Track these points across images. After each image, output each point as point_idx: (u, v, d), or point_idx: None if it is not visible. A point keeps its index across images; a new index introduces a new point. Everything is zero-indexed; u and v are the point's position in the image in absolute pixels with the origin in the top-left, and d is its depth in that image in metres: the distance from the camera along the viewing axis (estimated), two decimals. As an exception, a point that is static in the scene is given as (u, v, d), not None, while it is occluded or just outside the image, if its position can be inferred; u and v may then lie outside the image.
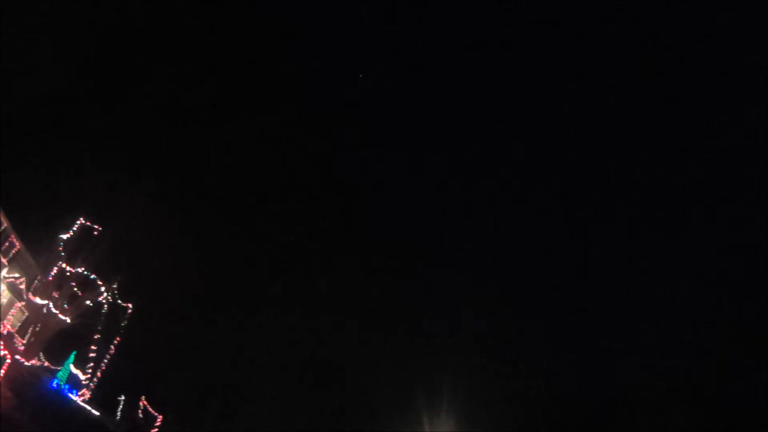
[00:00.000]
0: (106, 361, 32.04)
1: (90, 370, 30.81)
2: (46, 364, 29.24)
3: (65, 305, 30.21)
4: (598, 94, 45.96)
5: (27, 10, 31.58)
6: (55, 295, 29.89)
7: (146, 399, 34.57)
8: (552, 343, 47.75)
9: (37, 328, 29.01)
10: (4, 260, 27.21)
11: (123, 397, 33.26)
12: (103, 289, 31.75)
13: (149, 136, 42.23)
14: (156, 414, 34.74)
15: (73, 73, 35.71)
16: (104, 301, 32.03)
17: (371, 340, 46.79)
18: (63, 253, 29.84)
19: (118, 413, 32.74)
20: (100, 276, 31.52)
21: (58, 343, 30.27)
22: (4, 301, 28.11)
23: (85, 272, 30.74)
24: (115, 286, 32.63)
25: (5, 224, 27.08)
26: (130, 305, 33.71)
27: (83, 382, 30.16)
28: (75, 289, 30.77)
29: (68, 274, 30.13)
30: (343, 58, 47.67)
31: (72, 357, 29.53)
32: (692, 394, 39.04)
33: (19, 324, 29.64)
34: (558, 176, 50.10)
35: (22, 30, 31.00)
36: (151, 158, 41.57)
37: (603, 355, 44.46)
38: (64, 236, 29.96)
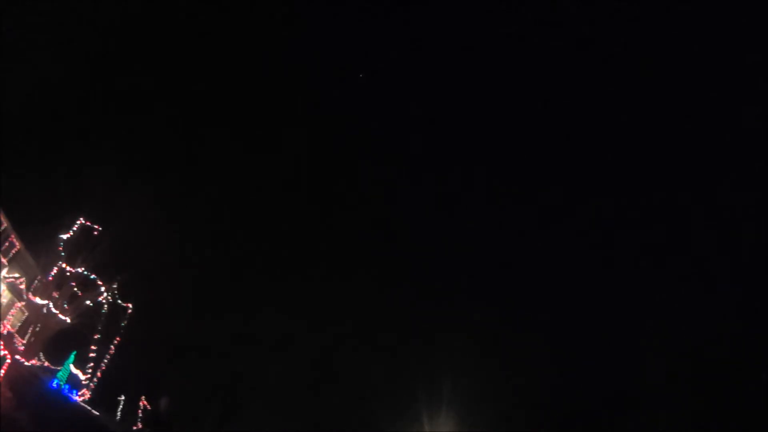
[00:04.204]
0: (106, 361, 32.04)
1: (90, 370, 30.81)
2: (46, 364, 29.22)
3: (65, 305, 30.22)
4: (601, 98, 45.95)
5: (27, 10, 31.58)
6: (55, 295, 29.90)
7: (146, 399, 34.55)
8: (552, 343, 47.74)
9: (37, 328, 29.02)
10: (4, 260, 27.19)
11: (123, 397, 33.27)
12: (103, 289, 31.75)
13: (150, 135, 42.24)
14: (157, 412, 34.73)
15: (74, 73, 35.71)
16: (104, 301, 32.03)
17: (372, 340, 46.79)
18: (63, 253, 29.84)
19: (118, 413, 32.73)
20: (100, 276, 31.52)
21: (58, 343, 30.26)
22: (4, 301, 28.09)
23: (85, 272, 30.75)
24: (115, 286, 32.63)
25: (5, 224, 27.06)
26: (130, 305, 33.70)
27: (83, 382, 30.16)
28: (75, 289, 30.77)
29: (68, 274, 30.13)
30: (347, 58, 47.70)
31: (72, 357, 29.53)
32: (692, 394, 39.04)
33: (19, 324, 29.62)
34: (558, 178, 50.12)
35: (22, 30, 31.00)
36: (151, 158, 41.59)
37: (603, 355, 44.45)
38: (64, 236, 29.96)
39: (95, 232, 31.38)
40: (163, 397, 33.92)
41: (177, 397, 37.52)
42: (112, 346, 32.52)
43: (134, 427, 33.42)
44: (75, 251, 30.48)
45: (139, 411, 33.96)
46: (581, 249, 48.97)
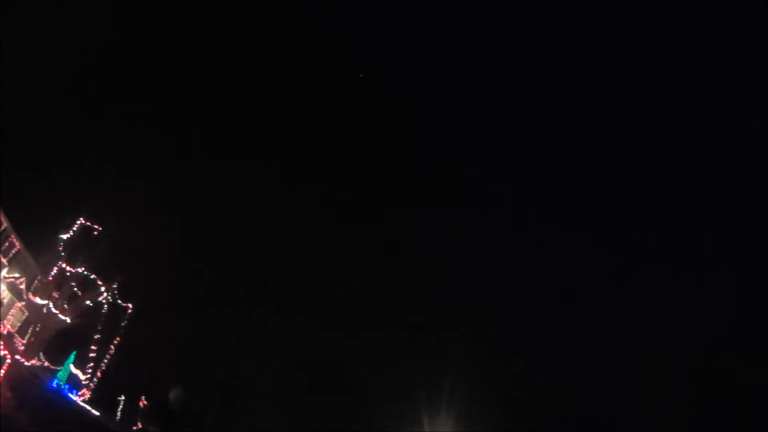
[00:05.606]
0: (106, 361, 32.05)
1: (90, 370, 30.82)
2: (46, 364, 29.23)
3: (65, 305, 30.22)
4: (603, 100, 45.89)
5: (28, 11, 31.59)
6: (55, 295, 29.90)
7: (146, 399, 34.56)
8: (552, 343, 47.77)
9: (37, 328, 29.02)
10: (4, 260, 27.20)
11: (123, 397, 33.30)
12: (103, 289, 31.75)
13: (150, 136, 42.27)
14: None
15: (74, 73, 35.72)
16: (104, 301, 32.04)
17: (371, 340, 46.81)
18: (63, 253, 29.84)
19: (118, 413, 32.75)
20: (100, 276, 31.53)
21: (58, 343, 30.27)
22: (4, 301, 28.11)
23: (85, 272, 30.75)
24: (115, 286, 32.63)
25: (5, 224, 27.08)
26: (130, 305, 33.71)
27: (83, 382, 30.17)
28: (75, 289, 30.77)
29: (68, 274, 30.13)
30: (347, 58, 47.71)
31: (72, 357, 29.55)
32: (692, 394, 39.05)
33: (19, 324, 29.64)
34: (556, 177, 50.13)
35: (22, 30, 31.01)
36: (151, 158, 41.60)
37: (603, 355, 44.46)
38: (64, 236, 29.96)
39: (95, 232, 31.39)
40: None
41: (178, 396, 37.49)
42: (112, 346, 32.54)
43: (134, 427, 33.43)
44: (75, 251, 30.48)
45: (140, 409, 33.98)
46: (582, 250, 48.97)
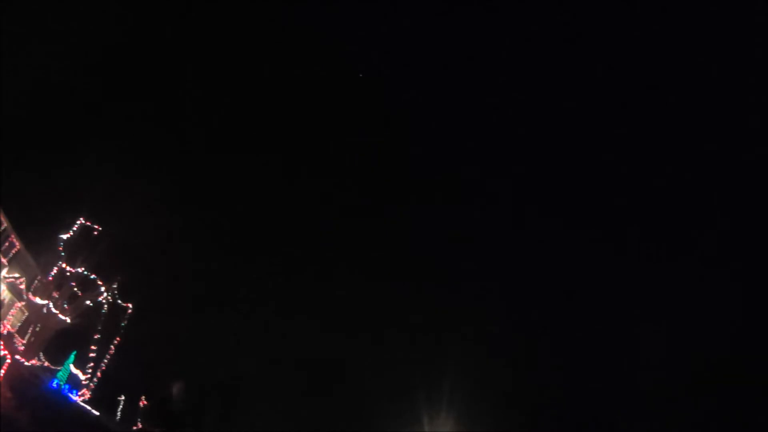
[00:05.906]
0: (106, 361, 32.05)
1: (90, 370, 30.81)
2: (46, 364, 29.24)
3: (65, 305, 30.21)
4: (602, 100, 45.86)
5: (28, 11, 31.59)
6: (55, 295, 29.89)
7: (146, 399, 34.58)
8: (552, 343, 47.76)
9: (37, 328, 29.02)
10: (4, 260, 27.20)
11: (123, 397, 33.31)
12: (103, 289, 31.75)
13: (150, 136, 42.27)
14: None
15: (74, 73, 35.71)
16: (104, 301, 32.03)
17: (371, 340, 46.80)
18: (63, 253, 29.84)
19: (118, 413, 32.76)
20: (100, 276, 31.52)
21: (58, 343, 30.27)
22: (5, 301, 28.10)
23: (85, 272, 30.74)
24: (115, 286, 32.63)
25: (5, 224, 27.08)
26: (130, 305, 33.71)
27: (83, 382, 30.17)
28: (75, 289, 30.76)
29: (68, 274, 30.13)
30: (347, 58, 47.69)
31: (72, 357, 29.54)
32: (692, 394, 39.04)
33: (19, 324, 29.64)
34: (555, 177, 50.11)
35: (23, 31, 31.01)
36: (151, 158, 41.59)
37: (603, 355, 44.45)
38: (64, 236, 29.96)
39: (95, 232, 31.38)
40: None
41: (178, 392, 37.54)
42: (112, 346, 32.53)
43: (134, 427, 33.46)
44: (75, 251, 30.48)
45: (140, 409, 34.00)
46: (582, 250, 48.95)
